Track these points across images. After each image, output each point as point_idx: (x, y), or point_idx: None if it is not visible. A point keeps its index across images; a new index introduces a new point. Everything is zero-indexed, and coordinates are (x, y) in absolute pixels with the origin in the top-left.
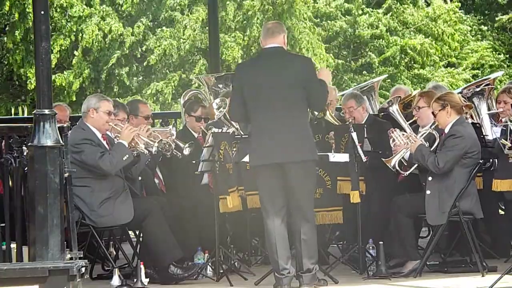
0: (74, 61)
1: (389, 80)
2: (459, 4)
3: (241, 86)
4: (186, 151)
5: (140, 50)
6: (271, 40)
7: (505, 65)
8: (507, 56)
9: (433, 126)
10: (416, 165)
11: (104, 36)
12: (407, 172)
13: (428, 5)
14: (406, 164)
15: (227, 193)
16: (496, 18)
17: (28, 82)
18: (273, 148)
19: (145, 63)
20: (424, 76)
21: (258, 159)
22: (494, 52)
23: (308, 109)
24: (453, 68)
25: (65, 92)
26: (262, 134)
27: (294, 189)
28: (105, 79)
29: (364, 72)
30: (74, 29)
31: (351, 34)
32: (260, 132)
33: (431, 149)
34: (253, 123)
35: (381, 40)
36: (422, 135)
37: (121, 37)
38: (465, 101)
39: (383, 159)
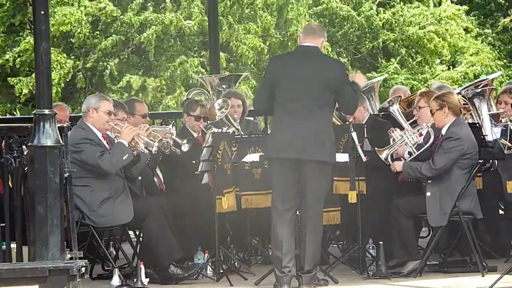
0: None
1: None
2: (466, 8)
3: (271, 78)
4: (185, 148)
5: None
6: (311, 40)
7: (506, 67)
8: (509, 58)
9: (429, 124)
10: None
11: (94, 21)
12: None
13: (435, 6)
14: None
15: (223, 194)
16: (499, 23)
17: (16, 88)
18: (292, 143)
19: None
20: (423, 76)
21: (275, 151)
22: (494, 53)
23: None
24: (448, 67)
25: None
26: (283, 128)
27: (306, 188)
28: (98, 71)
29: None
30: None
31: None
32: (282, 125)
33: (425, 147)
34: (276, 116)
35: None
36: (418, 129)
37: (112, 17)
38: (465, 102)
39: (376, 148)
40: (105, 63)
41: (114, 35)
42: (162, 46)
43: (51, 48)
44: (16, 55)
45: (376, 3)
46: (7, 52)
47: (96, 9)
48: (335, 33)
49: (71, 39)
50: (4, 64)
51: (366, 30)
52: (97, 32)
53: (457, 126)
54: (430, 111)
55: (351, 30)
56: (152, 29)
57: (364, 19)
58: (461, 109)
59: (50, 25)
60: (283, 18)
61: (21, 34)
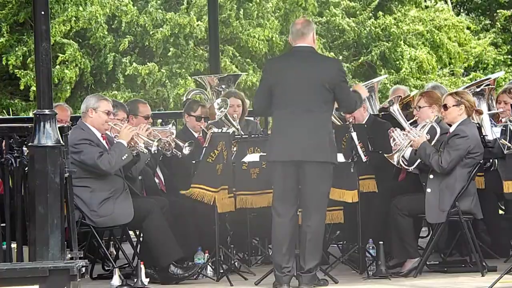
0: (66, 49)
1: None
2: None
3: (269, 81)
4: (186, 150)
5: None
6: (301, 41)
7: (508, 62)
8: (509, 53)
9: (434, 120)
10: (419, 160)
11: (109, 20)
12: (412, 167)
13: (426, 7)
14: (406, 164)
15: (201, 186)
16: (500, 13)
17: (20, 82)
18: (292, 145)
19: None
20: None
21: (275, 154)
22: (494, 47)
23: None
24: (453, 77)
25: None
26: (283, 130)
27: (308, 189)
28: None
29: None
30: (73, 14)
31: (355, 32)
32: (281, 127)
33: (432, 143)
34: (275, 119)
35: (384, 41)
36: (423, 126)
37: (130, 17)
38: None
39: (385, 155)
40: (117, 61)
41: (128, 36)
42: (171, 45)
43: (72, 42)
44: (23, 54)
45: (371, 10)
46: (11, 53)
47: (115, 9)
48: (332, 43)
49: (86, 39)
50: (9, 64)
51: (364, 40)
52: (111, 30)
53: (465, 125)
54: (445, 105)
55: (349, 39)
56: (166, 27)
57: (362, 27)
58: (474, 111)
59: (67, 19)
60: (289, 24)
61: (25, 34)
